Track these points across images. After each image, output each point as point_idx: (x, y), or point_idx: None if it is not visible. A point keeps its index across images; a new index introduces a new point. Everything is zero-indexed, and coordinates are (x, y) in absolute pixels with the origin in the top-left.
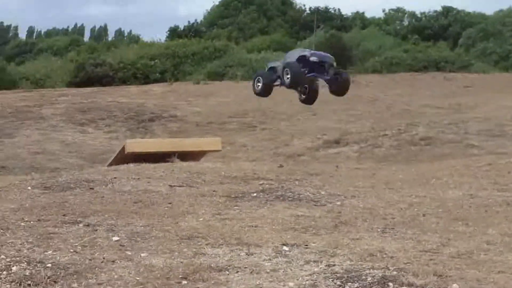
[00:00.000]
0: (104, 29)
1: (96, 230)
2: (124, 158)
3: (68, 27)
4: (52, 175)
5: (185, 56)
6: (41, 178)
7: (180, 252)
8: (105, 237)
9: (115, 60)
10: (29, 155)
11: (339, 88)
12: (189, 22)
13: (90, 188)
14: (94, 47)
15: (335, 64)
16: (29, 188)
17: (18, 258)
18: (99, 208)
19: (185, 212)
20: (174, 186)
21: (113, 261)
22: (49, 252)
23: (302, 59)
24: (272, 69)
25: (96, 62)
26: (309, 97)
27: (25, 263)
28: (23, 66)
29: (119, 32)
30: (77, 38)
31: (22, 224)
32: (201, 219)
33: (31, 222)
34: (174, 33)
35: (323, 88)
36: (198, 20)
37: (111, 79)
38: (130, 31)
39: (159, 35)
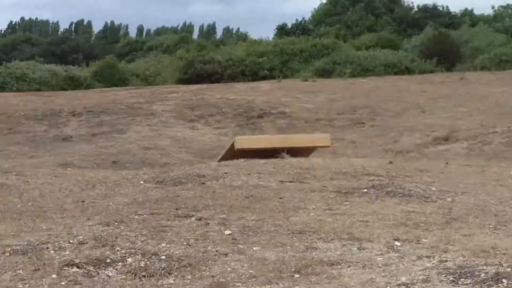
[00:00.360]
0: (212, 27)
1: (208, 223)
2: (234, 154)
3: (177, 25)
4: (164, 170)
5: (293, 53)
6: (152, 172)
7: (292, 246)
8: (217, 230)
9: (223, 57)
10: (140, 150)
11: None
12: (296, 20)
13: (202, 183)
14: (203, 44)
15: None
16: (142, 182)
17: (133, 250)
18: (211, 203)
19: (296, 207)
20: (284, 181)
21: (225, 254)
22: (162, 244)
23: None
24: None
25: (205, 59)
26: None
27: (140, 255)
28: (133, 63)
29: (227, 30)
30: (186, 36)
31: (136, 217)
32: (312, 214)
33: (145, 216)
34: (282, 31)
35: None
36: (306, 18)
37: (220, 76)
38: (238, 29)
39: (267, 34)
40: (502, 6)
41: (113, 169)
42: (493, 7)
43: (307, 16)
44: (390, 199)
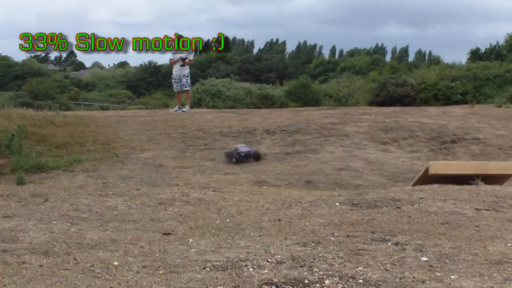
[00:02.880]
0: (405, 50)
1: (405, 249)
2: (427, 179)
3: (370, 47)
4: (358, 192)
5: (486, 78)
6: (347, 194)
7: (490, 276)
8: (413, 256)
9: (416, 80)
10: (333, 170)
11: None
12: (490, 44)
13: (397, 207)
14: (395, 67)
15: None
16: (337, 204)
17: (330, 272)
18: (407, 228)
19: (493, 236)
20: (480, 209)
21: (422, 281)
22: (360, 268)
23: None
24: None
25: (398, 82)
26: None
27: (337, 277)
28: (326, 84)
29: (419, 54)
30: (379, 58)
31: (332, 239)
32: (509, 245)
33: (341, 238)
34: (475, 55)
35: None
36: (500, 43)
37: (412, 99)
38: (430, 52)
39: (459, 57)
40: None
41: (307, 189)
42: None
43: (501, 40)
44: None
